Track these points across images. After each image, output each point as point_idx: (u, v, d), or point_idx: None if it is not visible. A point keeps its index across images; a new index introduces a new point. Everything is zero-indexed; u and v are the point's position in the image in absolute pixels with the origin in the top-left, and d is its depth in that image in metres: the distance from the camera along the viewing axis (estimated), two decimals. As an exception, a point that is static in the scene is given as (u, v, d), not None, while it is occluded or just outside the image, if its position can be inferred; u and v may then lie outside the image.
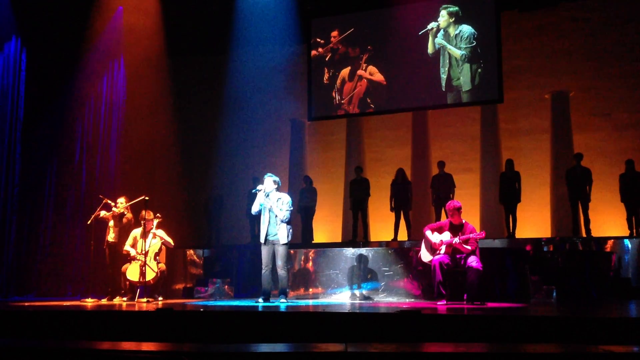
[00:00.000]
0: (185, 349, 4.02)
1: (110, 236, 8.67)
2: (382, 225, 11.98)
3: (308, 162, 13.76)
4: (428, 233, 7.06)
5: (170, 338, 4.96)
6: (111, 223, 8.69)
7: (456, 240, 6.76)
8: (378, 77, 11.99)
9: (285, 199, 7.34)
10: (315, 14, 12.55)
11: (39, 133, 10.37)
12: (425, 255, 7.06)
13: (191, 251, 10.46)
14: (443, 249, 6.86)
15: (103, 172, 10.68)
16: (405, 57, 11.82)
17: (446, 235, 6.90)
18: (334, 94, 12.34)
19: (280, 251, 7.25)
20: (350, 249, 8.90)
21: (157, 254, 8.41)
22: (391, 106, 12.05)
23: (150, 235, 8.35)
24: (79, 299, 9.04)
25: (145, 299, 8.07)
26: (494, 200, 11.28)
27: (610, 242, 9.19)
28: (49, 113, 10.49)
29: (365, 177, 11.56)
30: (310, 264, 8.92)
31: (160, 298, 8.37)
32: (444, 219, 8.86)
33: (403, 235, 11.03)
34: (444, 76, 11.47)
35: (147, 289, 8.30)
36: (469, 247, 6.75)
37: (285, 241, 7.25)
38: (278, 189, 7.43)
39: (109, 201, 8.62)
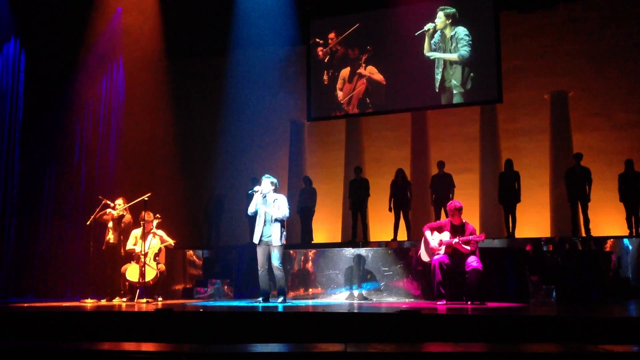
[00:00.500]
0: (185, 350, 4.02)
1: (110, 237, 8.66)
2: (382, 225, 11.97)
3: (307, 163, 13.76)
4: (427, 234, 7.06)
5: (169, 338, 4.94)
6: (110, 224, 8.68)
7: (456, 240, 6.77)
8: (378, 76, 12.00)
9: (282, 199, 7.38)
10: (315, 15, 12.57)
11: (38, 134, 10.35)
12: (424, 255, 7.08)
13: (191, 252, 10.45)
14: (443, 249, 6.86)
15: (102, 173, 10.69)
16: (404, 58, 11.86)
17: (446, 235, 6.91)
18: (333, 95, 12.35)
19: (275, 252, 7.26)
20: (350, 249, 8.89)
21: (156, 255, 8.41)
22: (390, 106, 12.06)
23: (150, 235, 8.35)
24: (78, 299, 9.02)
25: (144, 300, 8.07)
26: (493, 201, 11.27)
27: (609, 242, 9.19)
28: (48, 114, 10.48)
29: (364, 178, 11.55)
30: (309, 264, 8.92)
31: (159, 299, 8.37)
32: (443, 218, 8.86)
33: (403, 236, 11.03)
34: (438, 77, 11.52)
35: (147, 289, 8.30)
36: (468, 248, 6.76)
37: (279, 242, 7.27)
38: (275, 190, 7.45)
39: (108, 202, 8.61)
